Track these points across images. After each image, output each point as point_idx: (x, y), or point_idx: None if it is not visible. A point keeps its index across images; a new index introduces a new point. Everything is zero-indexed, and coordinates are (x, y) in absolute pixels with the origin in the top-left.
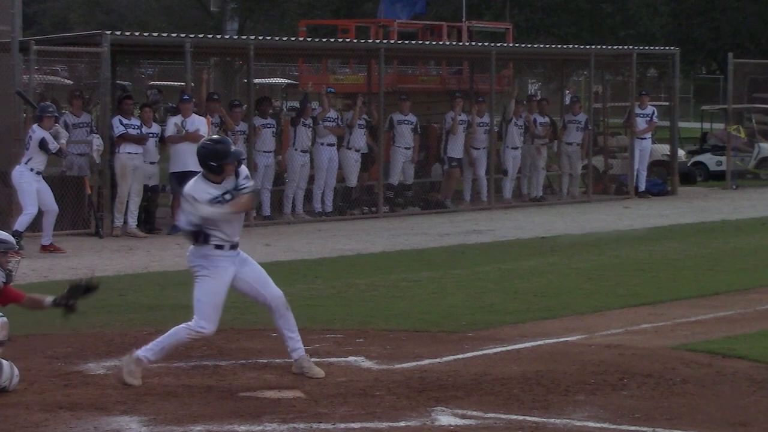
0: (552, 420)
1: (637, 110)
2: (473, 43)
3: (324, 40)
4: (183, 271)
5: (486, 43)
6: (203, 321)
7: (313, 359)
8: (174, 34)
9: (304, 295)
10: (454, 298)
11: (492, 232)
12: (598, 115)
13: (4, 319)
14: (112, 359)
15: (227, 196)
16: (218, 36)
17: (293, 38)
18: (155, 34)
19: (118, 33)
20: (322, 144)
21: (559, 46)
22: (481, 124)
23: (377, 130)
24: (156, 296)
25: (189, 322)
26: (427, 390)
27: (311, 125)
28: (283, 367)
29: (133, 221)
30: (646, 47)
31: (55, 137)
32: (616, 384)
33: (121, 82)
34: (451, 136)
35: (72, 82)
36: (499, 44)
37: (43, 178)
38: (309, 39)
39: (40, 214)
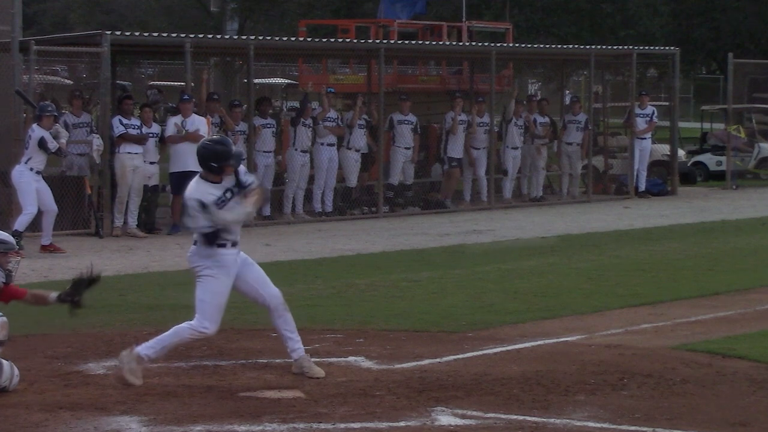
0: (552, 420)
1: (637, 110)
2: (473, 43)
3: (324, 40)
4: (183, 271)
5: (486, 43)
6: (206, 321)
7: (313, 359)
8: (174, 34)
9: (304, 295)
10: (454, 298)
11: (492, 232)
12: (598, 115)
13: (4, 318)
14: (112, 359)
15: (228, 195)
16: (218, 36)
17: (293, 38)
18: (155, 34)
19: (118, 33)
20: (322, 144)
21: (559, 46)
22: (481, 124)
23: (377, 130)
24: (156, 296)
25: (191, 322)
26: (427, 390)
27: (311, 125)
28: (283, 367)
29: (133, 221)
30: (646, 47)
31: (55, 137)
32: (616, 384)
33: (121, 82)
34: (451, 136)
35: (72, 82)
36: (499, 44)
37: (43, 178)
38: (309, 39)
39: (40, 213)
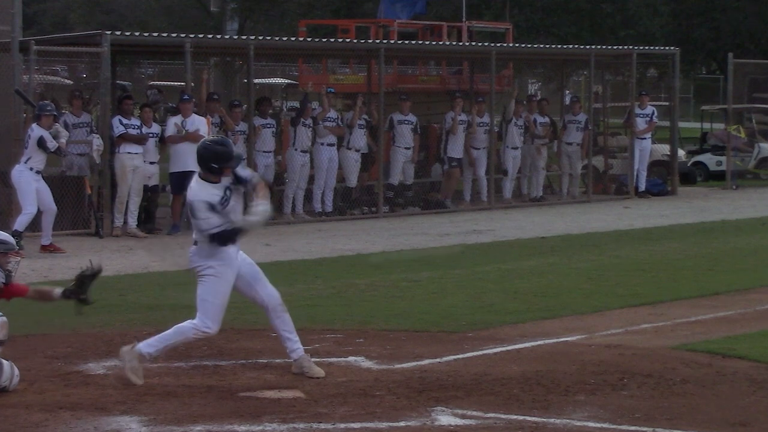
0: (552, 420)
1: (637, 110)
2: (473, 43)
3: (324, 40)
4: (183, 271)
5: (486, 43)
6: (209, 321)
7: (313, 359)
8: (174, 34)
9: (304, 295)
10: (454, 298)
11: (492, 232)
12: (598, 115)
13: (4, 318)
14: (113, 359)
15: (228, 193)
16: (218, 36)
17: (293, 38)
18: (155, 34)
19: (118, 33)
20: (322, 144)
21: (559, 46)
22: (481, 124)
23: (377, 130)
24: (156, 296)
25: (194, 321)
26: (427, 390)
27: (311, 125)
28: (283, 367)
29: (133, 221)
30: (646, 47)
31: (55, 136)
32: (616, 384)
33: (121, 82)
34: (451, 136)
35: (72, 82)
36: (499, 44)
37: (43, 177)
38: (309, 39)
39: (39, 213)
